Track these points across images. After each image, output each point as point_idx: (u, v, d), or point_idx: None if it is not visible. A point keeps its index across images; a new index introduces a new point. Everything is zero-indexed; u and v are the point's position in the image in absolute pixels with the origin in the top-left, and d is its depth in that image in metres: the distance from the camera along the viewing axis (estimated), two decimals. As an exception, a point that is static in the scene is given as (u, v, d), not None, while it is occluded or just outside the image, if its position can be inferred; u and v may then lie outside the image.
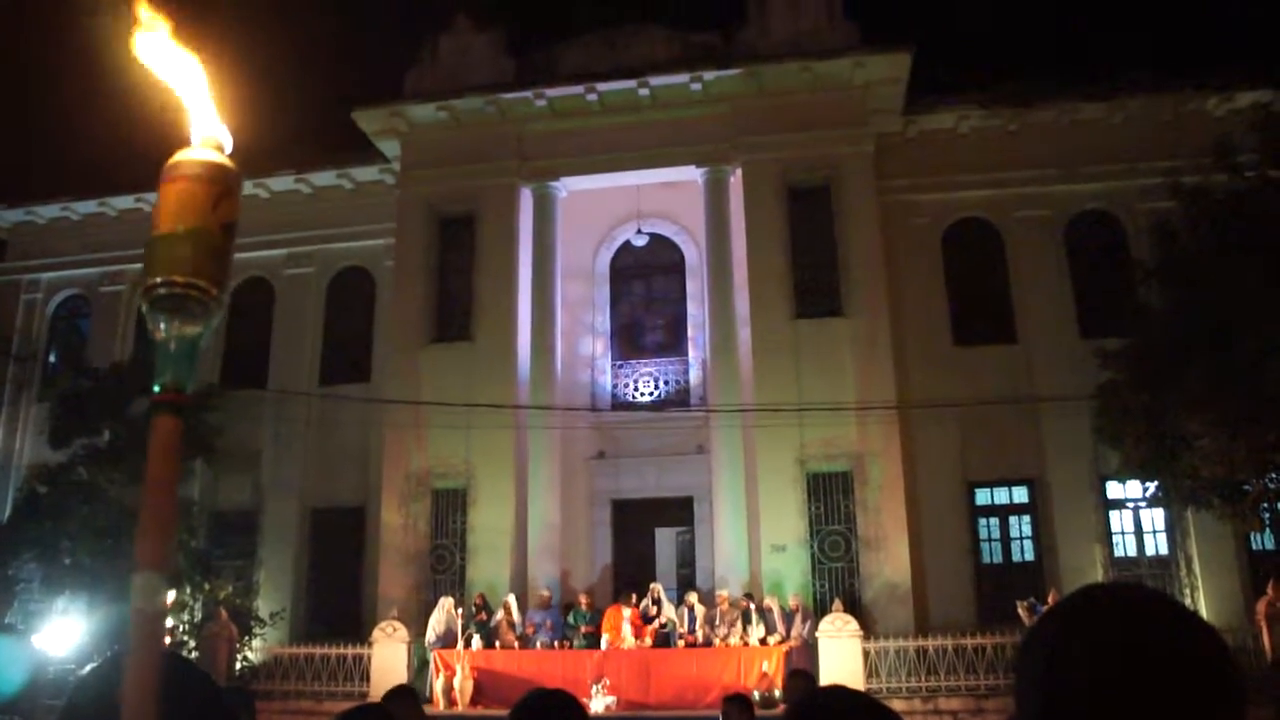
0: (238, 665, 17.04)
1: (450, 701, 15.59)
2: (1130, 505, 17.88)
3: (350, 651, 16.92)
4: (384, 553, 18.22)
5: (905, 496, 17.18)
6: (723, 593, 16.33)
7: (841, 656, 15.18)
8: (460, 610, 16.50)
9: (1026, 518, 18.33)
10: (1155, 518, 17.82)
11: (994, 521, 18.45)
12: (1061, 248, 19.26)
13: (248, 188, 20.85)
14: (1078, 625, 1.01)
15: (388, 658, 16.46)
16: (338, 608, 19.12)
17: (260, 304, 21.65)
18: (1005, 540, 18.38)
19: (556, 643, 16.05)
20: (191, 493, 19.36)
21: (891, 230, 18.97)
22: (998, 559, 18.27)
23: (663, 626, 16.00)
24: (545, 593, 16.84)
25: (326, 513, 19.98)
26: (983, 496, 18.58)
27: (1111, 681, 0.95)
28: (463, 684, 15.68)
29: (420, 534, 18.15)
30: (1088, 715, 0.96)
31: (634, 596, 16.36)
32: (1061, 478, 17.98)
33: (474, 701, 15.62)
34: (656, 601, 16.34)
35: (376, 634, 16.70)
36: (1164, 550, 17.82)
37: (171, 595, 17.11)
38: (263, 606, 18.97)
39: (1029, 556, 18.15)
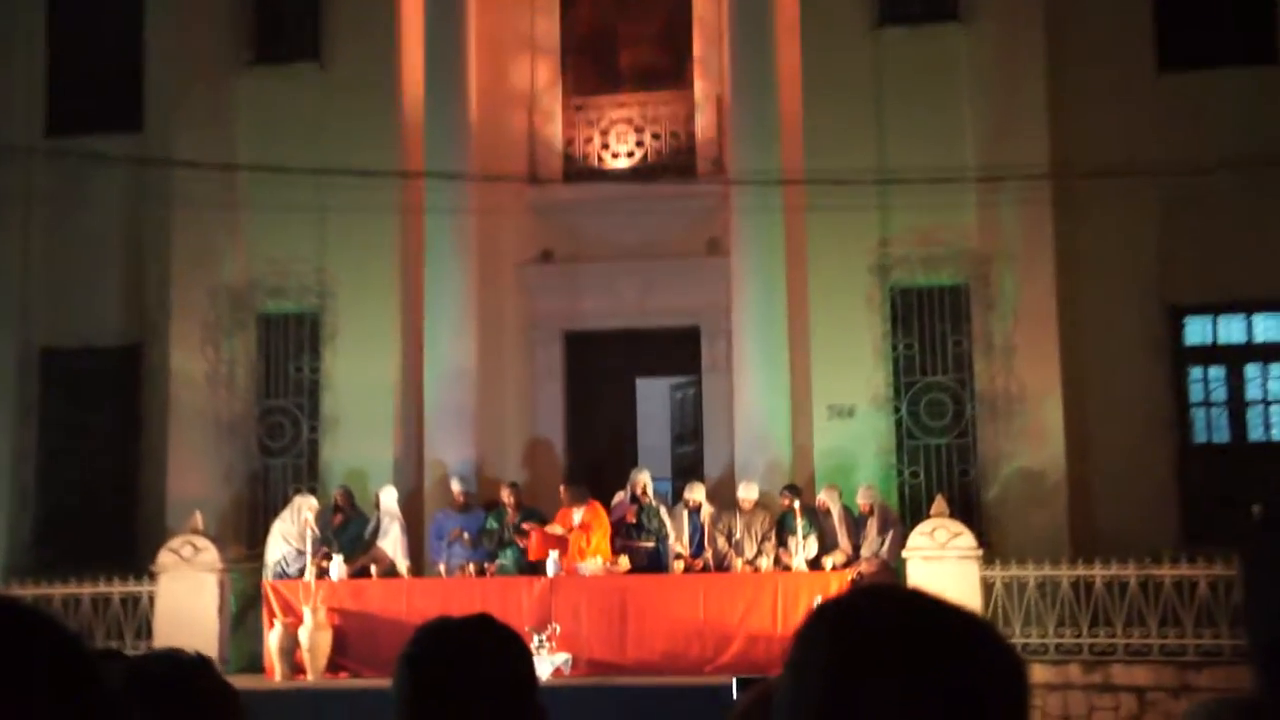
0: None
1: (294, 665, 11.30)
2: None
3: (117, 589, 12.49)
4: (175, 423, 13.48)
5: (1061, 330, 12.80)
6: (747, 490, 12.53)
7: (947, 588, 11.08)
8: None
9: (1276, 368, 13.33)
10: None
11: (1216, 374, 13.32)
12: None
13: None
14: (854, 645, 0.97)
15: (183, 596, 12.38)
16: (93, 519, 14.20)
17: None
18: (1238, 406, 13.26)
19: (473, 565, 12.34)
20: None
21: None
22: (1221, 438, 13.24)
23: (650, 539, 12.55)
24: (458, 487, 12.95)
25: (69, 356, 14.56)
26: (1196, 331, 13.40)
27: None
28: (314, 637, 11.37)
29: (239, 390, 13.71)
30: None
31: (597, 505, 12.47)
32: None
33: (332, 667, 11.48)
34: (636, 500, 12.46)
35: (164, 559, 12.33)
36: None
37: None
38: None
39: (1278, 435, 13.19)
